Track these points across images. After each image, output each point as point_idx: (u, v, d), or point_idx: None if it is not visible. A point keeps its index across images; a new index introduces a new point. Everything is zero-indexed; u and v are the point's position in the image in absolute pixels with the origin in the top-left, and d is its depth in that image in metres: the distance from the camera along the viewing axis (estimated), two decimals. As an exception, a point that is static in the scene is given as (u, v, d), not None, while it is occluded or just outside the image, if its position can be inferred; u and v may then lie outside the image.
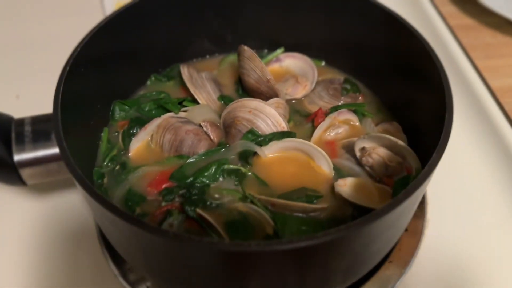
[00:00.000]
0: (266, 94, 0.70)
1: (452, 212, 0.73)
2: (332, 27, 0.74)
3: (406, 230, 0.70)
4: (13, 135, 0.49)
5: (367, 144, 0.62)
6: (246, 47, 0.70)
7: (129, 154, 0.66)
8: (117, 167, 0.65)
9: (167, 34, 0.74)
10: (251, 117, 0.65)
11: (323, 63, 0.79)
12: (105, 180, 0.63)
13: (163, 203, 0.60)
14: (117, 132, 0.69)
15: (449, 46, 0.98)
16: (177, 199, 0.60)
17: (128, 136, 0.67)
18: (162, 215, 0.59)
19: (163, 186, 0.62)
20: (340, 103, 0.71)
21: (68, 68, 0.56)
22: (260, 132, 0.65)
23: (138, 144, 0.66)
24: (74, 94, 0.57)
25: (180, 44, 0.77)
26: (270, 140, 0.64)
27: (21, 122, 0.51)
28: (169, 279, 0.55)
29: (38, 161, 0.50)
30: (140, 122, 0.69)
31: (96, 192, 0.46)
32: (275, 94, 0.69)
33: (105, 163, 0.65)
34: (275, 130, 0.65)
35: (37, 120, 0.52)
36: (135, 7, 0.67)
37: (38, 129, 0.51)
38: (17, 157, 0.48)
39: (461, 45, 0.97)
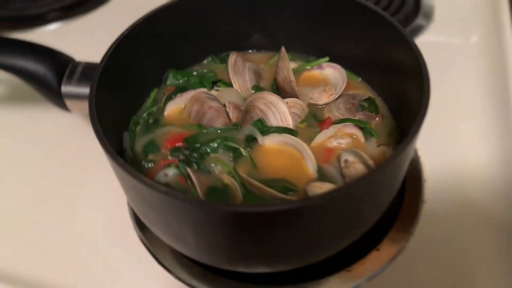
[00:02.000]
0: (289, 93, 0.78)
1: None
2: (372, 49, 0.78)
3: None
4: (67, 71, 0.66)
5: (350, 158, 0.67)
6: (283, 48, 0.78)
7: (165, 113, 0.80)
8: (151, 120, 0.79)
9: (231, 24, 0.85)
10: (264, 108, 0.74)
11: (359, 79, 0.83)
12: (138, 127, 0.78)
13: (169, 157, 0.73)
14: (164, 94, 0.83)
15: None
16: (181, 157, 0.73)
17: (169, 99, 0.81)
18: (164, 166, 0.72)
19: (176, 144, 0.75)
20: (354, 117, 0.76)
21: (126, 33, 0.71)
22: (267, 123, 0.74)
23: (173, 107, 0.80)
24: (128, 55, 0.73)
25: (240, 35, 0.88)
26: (272, 132, 0.73)
27: (77, 64, 0.68)
28: (153, 224, 0.67)
29: (78, 96, 0.66)
30: (183, 90, 0.82)
31: (109, 147, 0.57)
32: (295, 95, 0.77)
33: (143, 115, 0.80)
34: (281, 125, 0.73)
35: (88, 66, 0.68)
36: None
37: (86, 72, 0.67)
38: (63, 89, 0.65)
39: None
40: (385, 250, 0.77)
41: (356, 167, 0.66)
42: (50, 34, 1.20)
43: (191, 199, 0.53)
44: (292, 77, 0.76)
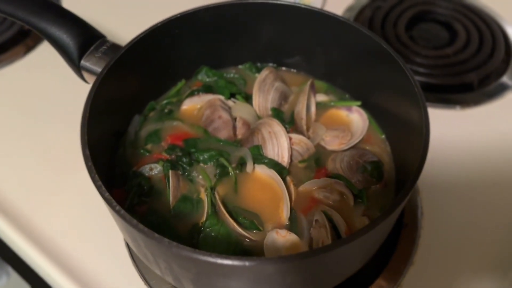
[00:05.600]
0: (299, 128, 0.75)
1: None
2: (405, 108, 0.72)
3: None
4: (92, 47, 0.69)
5: (320, 220, 0.64)
6: (310, 82, 0.76)
7: (181, 108, 0.81)
8: (167, 110, 0.81)
9: (276, 37, 0.82)
10: (267, 136, 0.73)
11: (383, 136, 0.77)
12: (152, 113, 0.81)
13: (163, 152, 0.75)
14: (190, 88, 0.84)
15: None
16: (173, 157, 0.74)
17: (191, 95, 0.82)
18: (155, 159, 0.74)
19: (176, 142, 0.76)
20: (351, 177, 0.71)
21: (161, 24, 0.73)
22: (264, 152, 0.72)
23: (190, 105, 0.81)
24: (158, 44, 0.75)
25: (283, 50, 0.85)
26: (264, 163, 0.71)
27: (105, 42, 0.71)
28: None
29: (94, 72, 0.69)
30: (209, 90, 0.83)
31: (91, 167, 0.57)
32: (303, 133, 0.74)
33: (163, 102, 0.82)
34: (275, 159, 0.71)
35: (113, 47, 0.71)
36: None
37: (108, 52, 0.70)
38: (83, 61, 0.69)
39: None
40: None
41: (321, 232, 0.63)
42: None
43: (135, 224, 0.53)
44: (304, 116, 0.73)
